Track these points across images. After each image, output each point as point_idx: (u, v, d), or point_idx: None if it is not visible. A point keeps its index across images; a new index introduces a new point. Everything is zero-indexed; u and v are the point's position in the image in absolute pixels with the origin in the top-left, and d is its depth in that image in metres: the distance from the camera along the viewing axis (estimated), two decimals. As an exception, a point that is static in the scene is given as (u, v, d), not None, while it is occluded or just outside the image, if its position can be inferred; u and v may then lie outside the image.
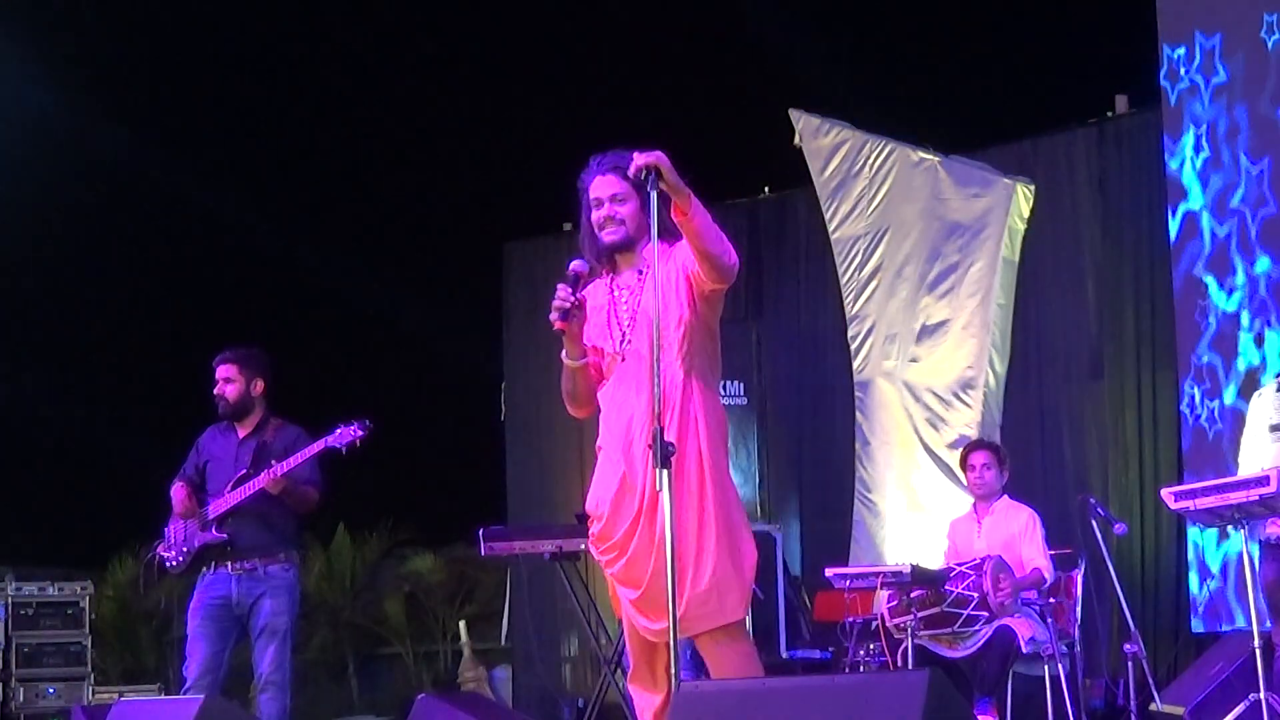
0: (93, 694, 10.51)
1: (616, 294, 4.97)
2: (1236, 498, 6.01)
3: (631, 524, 4.83)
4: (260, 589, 7.05)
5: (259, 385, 7.24)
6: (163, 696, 10.00)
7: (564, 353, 4.95)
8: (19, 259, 13.36)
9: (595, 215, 4.94)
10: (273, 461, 6.98)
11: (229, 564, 7.07)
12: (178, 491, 7.16)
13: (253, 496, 7.02)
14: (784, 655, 9.06)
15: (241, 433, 7.23)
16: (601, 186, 4.92)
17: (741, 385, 9.92)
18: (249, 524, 7.08)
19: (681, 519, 4.68)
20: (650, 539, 4.77)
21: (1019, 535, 7.77)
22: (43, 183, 13.16)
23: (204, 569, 7.12)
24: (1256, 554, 6.46)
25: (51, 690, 10.46)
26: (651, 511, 4.78)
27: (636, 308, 4.90)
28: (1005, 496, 7.96)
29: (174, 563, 7.18)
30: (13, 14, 12.39)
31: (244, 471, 7.08)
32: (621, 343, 4.92)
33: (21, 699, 10.42)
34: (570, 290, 4.83)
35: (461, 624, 13.43)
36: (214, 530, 7.08)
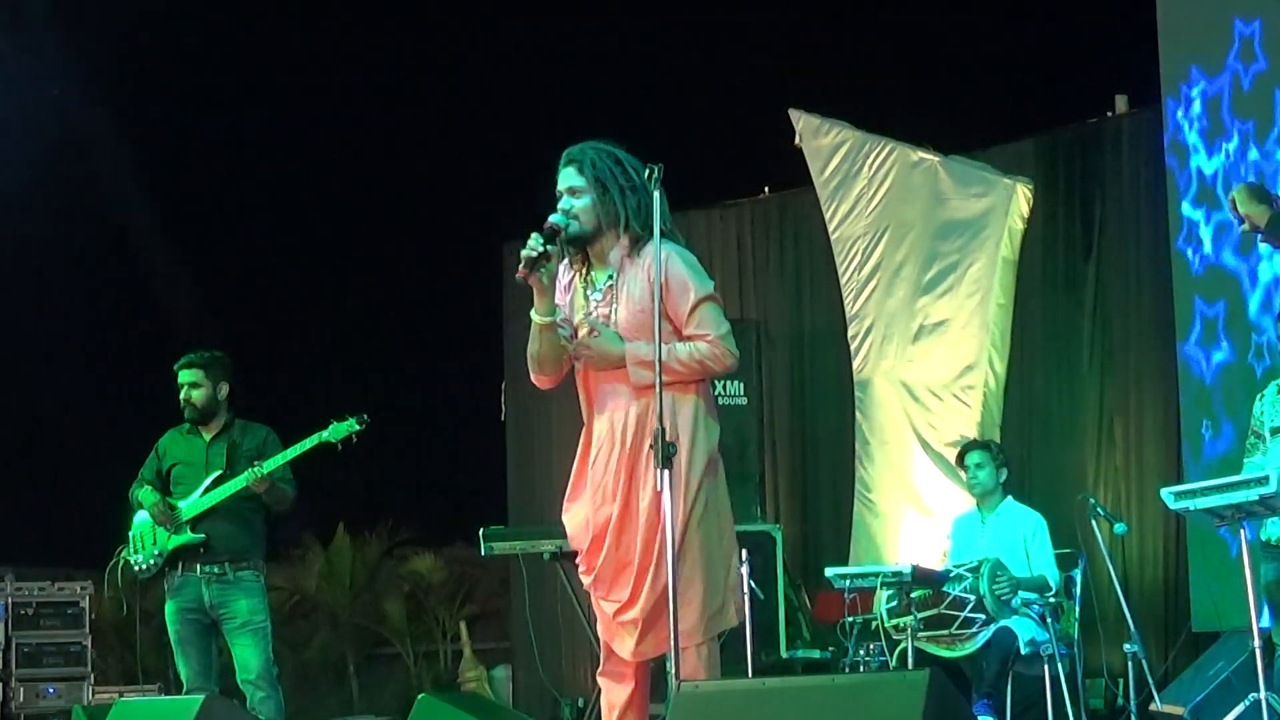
0: (93, 694, 10.49)
1: (589, 295, 4.91)
2: (1236, 498, 6.01)
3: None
4: (231, 591, 7.05)
5: (225, 389, 7.22)
6: (162, 696, 9.99)
7: (533, 310, 4.83)
8: (18, 258, 13.34)
9: (559, 207, 4.90)
10: (255, 461, 6.96)
11: (199, 566, 7.04)
12: (149, 496, 7.12)
13: (231, 496, 7.00)
14: (784, 655, 9.05)
15: (207, 435, 7.19)
16: (561, 179, 4.90)
17: (741, 385, 9.91)
18: (225, 523, 7.06)
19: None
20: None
21: (1027, 540, 7.75)
22: (43, 178, 13.13)
23: (173, 572, 7.10)
24: (1257, 553, 6.46)
25: (51, 690, 10.45)
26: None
27: (607, 320, 4.84)
28: (1010, 498, 7.94)
29: (144, 566, 7.14)
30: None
31: (220, 473, 7.06)
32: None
33: (21, 699, 10.41)
34: (543, 241, 4.76)
35: (462, 624, 13.46)
36: (189, 531, 7.05)
